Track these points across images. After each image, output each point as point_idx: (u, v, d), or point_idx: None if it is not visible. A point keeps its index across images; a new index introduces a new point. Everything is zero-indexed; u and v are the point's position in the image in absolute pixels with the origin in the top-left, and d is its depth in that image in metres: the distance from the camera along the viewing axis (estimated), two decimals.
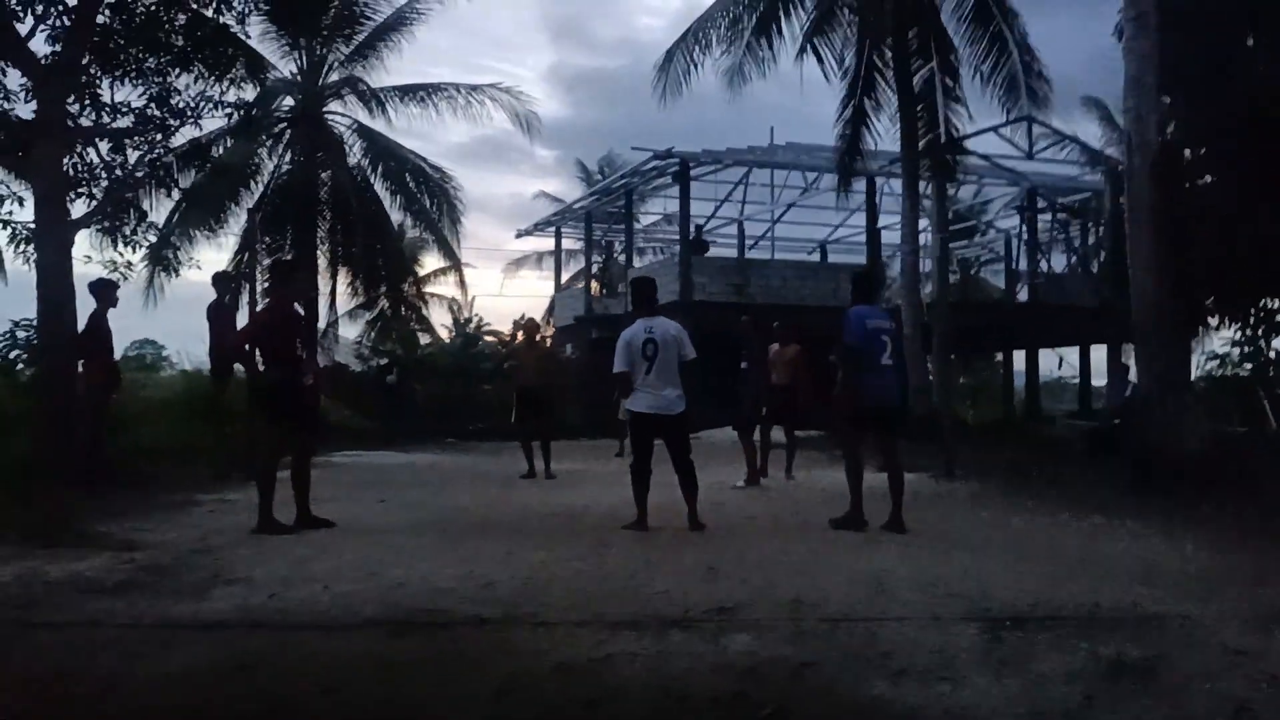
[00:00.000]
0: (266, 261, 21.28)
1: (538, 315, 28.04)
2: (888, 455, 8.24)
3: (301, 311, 8.30)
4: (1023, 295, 27.46)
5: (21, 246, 11.60)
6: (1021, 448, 15.02)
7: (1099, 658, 4.34)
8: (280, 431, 8.04)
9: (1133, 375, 17.46)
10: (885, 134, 17.80)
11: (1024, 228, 27.55)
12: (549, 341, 21.83)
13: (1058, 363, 29.58)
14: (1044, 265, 27.72)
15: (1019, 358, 31.28)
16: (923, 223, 19.60)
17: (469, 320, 27.41)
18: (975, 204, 30.38)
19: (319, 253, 21.78)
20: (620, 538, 7.54)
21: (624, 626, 4.80)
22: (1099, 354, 27.69)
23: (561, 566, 6.34)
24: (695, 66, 18.22)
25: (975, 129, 18.98)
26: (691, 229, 24.04)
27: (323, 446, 12.65)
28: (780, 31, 17.47)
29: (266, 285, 8.40)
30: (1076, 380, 30.05)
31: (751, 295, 22.22)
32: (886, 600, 5.43)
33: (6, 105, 11.42)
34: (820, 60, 17.31)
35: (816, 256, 29.91)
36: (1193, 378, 12.34)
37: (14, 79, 11.17)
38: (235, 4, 11.47)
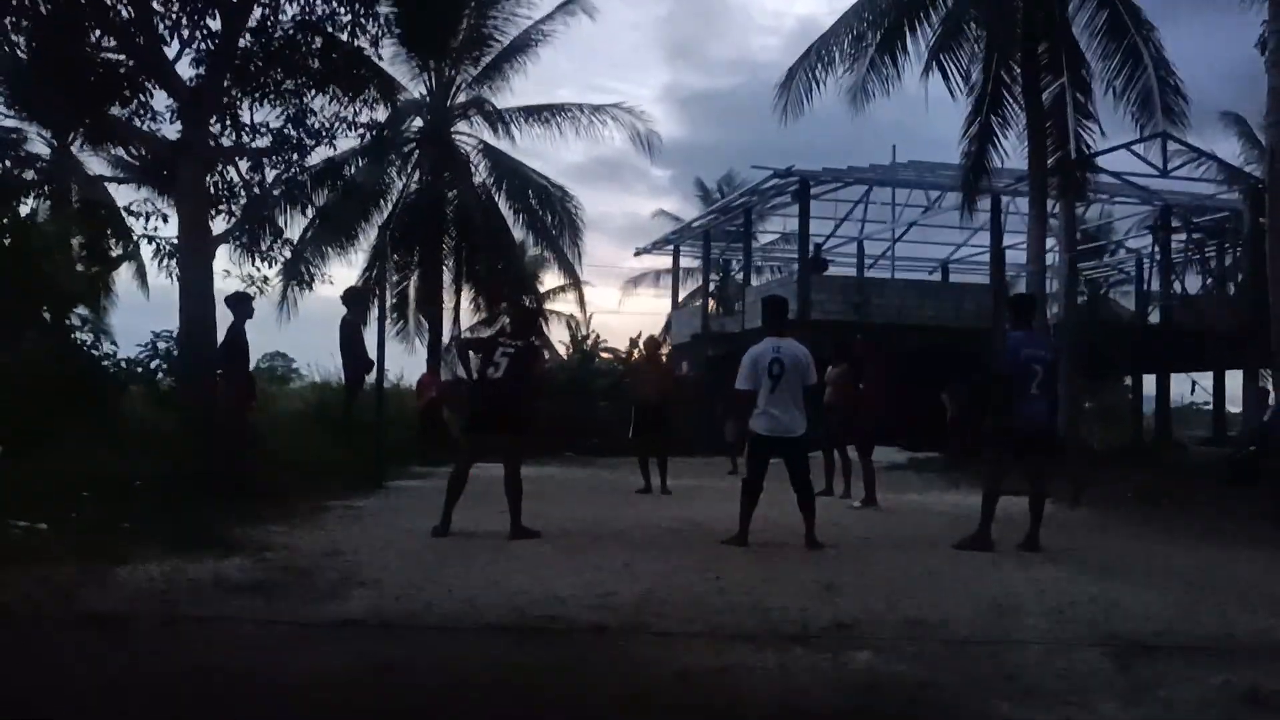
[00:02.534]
0: (395, 277, 22.01)
1: (654, 333, 28.22)
2: (1034, 480, 8.08)
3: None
4: (1154, 317, 26.46)
5: (165, 261, 12.21)
6: (1151, 473, 14.48)
7: (1232, 687, 4.17)
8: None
9: (1273, 400, 16.71)
10: (1012, 151, 17.37)
11: (1156, 248, 26.56)
12: (667, 359, 21.94)
13: (1191, 388, 28.46)
14: (1177, 286, 26.68)
15: (1149, 382, 30.14)
16: (1050, 242, 19.07)
17: (587, 337, 27.71)
18: (1105, 223, 29.43)
19: (444, 269, 22.34)
20: (737, 553, 7.56)
21: (743, 640, 4.81)
22: (1235, 380, 26.56)
23: (679, 579, 6.37)
24: (817, 85, 18.05)
25: (1107, 146, 18.39)
26: (810, 248, 23.88)
27: (447, 457, 12.99)
28: (905, 48, 17.20)
29: (514, 328, 9.12)
30: (1210, 406, 28.84)
31: (870, 315, 21.94)
32: (1010, 622, 5.32)
33: (153, 126, 12.06)
34: (946, 76, 16.95)
35: (938, 276, 29.39)
36: None
37: (160, 100, 11.79)
38: (369, 28, 11.86)
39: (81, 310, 12.46)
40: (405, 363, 37.36)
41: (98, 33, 11.13)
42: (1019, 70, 16.73)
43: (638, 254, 32.69)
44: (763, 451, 8.09)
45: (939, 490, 13.18)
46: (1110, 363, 23.82)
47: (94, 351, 12.10)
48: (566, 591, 5.85)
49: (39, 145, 17.82)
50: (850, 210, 26.24)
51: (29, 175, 13.39)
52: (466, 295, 23.14)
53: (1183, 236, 26.83)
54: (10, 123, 13.99)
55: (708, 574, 6.55)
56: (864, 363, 12.03)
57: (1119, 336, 23.80)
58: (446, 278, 22.56)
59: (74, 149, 17.97)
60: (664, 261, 33.28)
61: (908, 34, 17.24)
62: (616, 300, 78.70)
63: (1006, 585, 6.36)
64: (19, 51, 10.86)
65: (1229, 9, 14.91)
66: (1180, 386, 28.90)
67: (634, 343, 24.37)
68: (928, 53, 16.96)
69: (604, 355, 26.51)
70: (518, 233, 23.20)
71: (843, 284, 24.11)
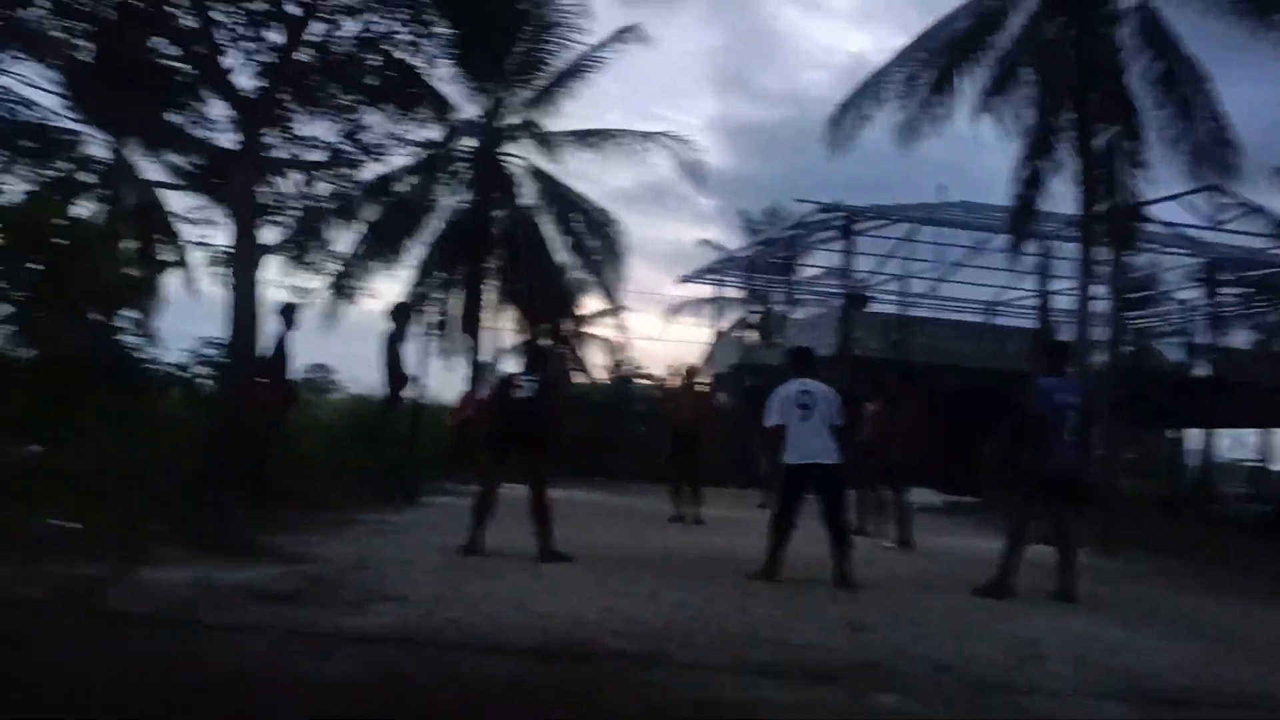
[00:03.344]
0: (438, 294, 22.19)
1: (693, 361, 28.16)
2: (1060, 527, 7.98)
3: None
4: (1201, 370, 26.08)
5: (215, 268, 12.40)
6: (1188, 525, 14.24)
7: None
8: None
9: None
10: (1061, 196, 17.27)
11: (1206, 300, 26.21)
12: (705, 388, 21.88)
13: (1235, 443, 28.05)
14: (1225, 340, 26.29)
15: (1193, 435, 29.66)
16: (1097, 289, 18.87)
17: (625, 363, 27.73)
18: (1153, 272, 29.10)
19: (487, 288, 22.49)
20: (765, 587, 7.49)
21: (767, 674, 4.77)
22: None
23: (705, 610, 6.33)
24: (867, 121, 18.09)
25: (1158, 195, 18.22)
26: (853, 284, 23.81)
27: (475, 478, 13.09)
28: (957, 88, 17.21)
29: (528, 364, 9.18)
30: (1254, 463, 28.38)
31: (912, 353, 21.79)
32: (1036, 670, 5.24)
33: (210, 134, 12.28)
34: (997, 119, 16.94)
35: (983, 318, 29.15)
36: None
37: (218, 109, 12.00)
38: (426, 47, 12.01)
39: (129, 311, 12.67)
40: (444, 379, 37.60)
41: (159, 40, 11.35)
42: (1071, 116, 16.64)
43: (681, 281, 32.75)
44: (796, 483, 8.03)
45: (975, 534, 13.00)
46: (1154, 414, 23.51)
47: (138, 353, 12.28)
48: (591, 616, 5.83)
49: (98, 148, 18.19)
50: (896, 247, 26.13)
51: (86, 177, 13.64)
52: (508, 315, 23.29)
53: (1232, 290, 26.47)
54: (70, 124, 14.28)
55: (735, 606, 6.52)
56: (900, 400, 11.93)
57: (1164, 388, 23.47)
58: (489, 296, 22.71)
59: (131, 153, 18.31)
60: (706, 290, 33.32)
61: (961, 75, 17.21)
62: (657, 326, 78.87)
63: (1036, 632, 6.26)
64: (82, 55, 11.09)
65: None
66: (1224, 441, 28.48)
67: (672, 370, 24.39)
68: (980, 94, 16.92)
69: (642, 381, 26.53)
70: (561, 255, 23.32)
71: (885, 321, 23.99)
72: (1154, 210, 19.01)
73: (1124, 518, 12.43)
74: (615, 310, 27.83)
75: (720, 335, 31.89)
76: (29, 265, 11.15)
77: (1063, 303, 22.45)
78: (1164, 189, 18.20)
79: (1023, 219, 17.42)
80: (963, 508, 16.76)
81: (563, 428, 9.00)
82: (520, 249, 21.60)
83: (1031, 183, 16.93)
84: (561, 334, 24.62)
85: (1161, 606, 7.90)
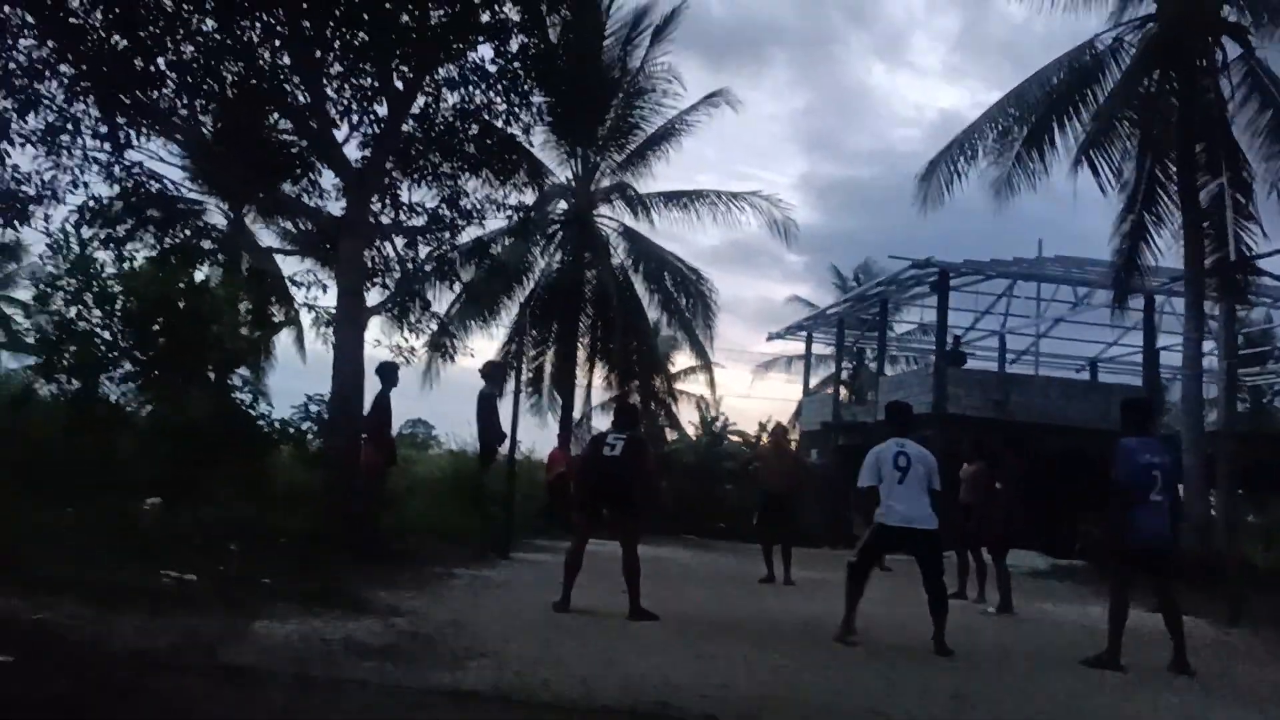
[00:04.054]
0: (532, 353, 22.56)
1: (784, 419, 27.97)
2: (1162, 594, 7.69)
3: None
4: None
5: (322, 329, 12.84)
6: None
7: None
8: None
9: None
10: (1167, 250, 16.83)
11: None
12: (795, 446, 21.70)
13: None
14: None
15: None
16: (1208, 345, 18.27)
17: (715, 419, 27.67)
18: (1270, 327, 28.09)
19: (579, 346, 22.78)
20: (860, 653, 7.35)
21: None
22: None
23: (799, 676, 6.26)
24: (959, 177, 17.96)
25: (1271, 248, 17.65)
26: (949, 340, 23.46)
27: (567, 535, 13.19)
28: (1053, 143, 16.97)
29: (618, 421, 9.35)
30: None
31: (1011, 412, 21.31)
32: None
33: (320, 202, 12.83)
34: (1096, 172, 16.59)
35: (1086, 375, 28.42)
36: None
37: (328, 179, 12.55)
38: (523, 117, 12.37)
39: (243, 371, 13.19)
40: (537, 436, 38.12)
41: (275, 115, 11.93)
42: (1174, 168, 16.30)
43: (770, 339, 32.65)
44: (884, 543, 7.90)
45: (1082, 601, 12.56)
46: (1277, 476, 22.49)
47: (251, 410, 12.76)
48: (681, 679, 5.81)
49: (217, 216, 19.19)
50: (992, 303, 25.72)
51: (206, 244, 14.31)
52: (600, 372, 23.52)
53: None
54: (193, 195, 15.04)
55: (829, 672, 6.43)
56: (1000, 461, 11.67)
57: None
58: (581, 355, 23.00)
59: (247, 221, 19.27)
60: (796, 347, 33.16)
61: (1056, 129, 17.01)
62: (747, 383, 78.96)
63: (1150, 709, 6.03)
64: (205, 130, 11.72)
65: None
66: None
67: (763, 427, 24.27)
68: (1077, 148, 16.68)
69: (732, 438, 26.41)
70: (652, 313, 23.53)
71: (982, 379, 23.54)
72: (1268, 263, 18.41)
73: (1251, 589, 11.84)
74: (706, 367, 27.91)
75: (810, 392, 31.66)
76: (153, 328, 11.74)
77: (1174, 359, 21.80)
78: (1277, 241, 17.63)
79: (1125, 273, 17.04)
80: (1069, 572, 16.21)
81: (654, 486, 9.02)
82: (612, 308, 21.87)
83: (1133, 236, 16.59)
84: (653, 391, 24.71)
85: None
